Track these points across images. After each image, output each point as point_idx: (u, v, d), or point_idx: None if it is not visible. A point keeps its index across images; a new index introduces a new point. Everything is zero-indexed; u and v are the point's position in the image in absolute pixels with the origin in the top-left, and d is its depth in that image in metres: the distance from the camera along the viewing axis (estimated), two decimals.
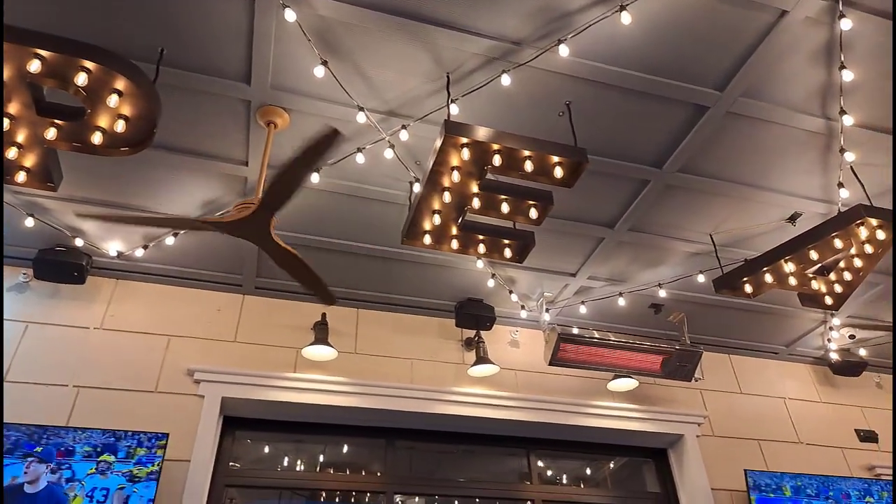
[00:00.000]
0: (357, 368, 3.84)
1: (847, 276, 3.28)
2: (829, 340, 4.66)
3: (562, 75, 2.70)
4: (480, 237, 3.01)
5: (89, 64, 2.13)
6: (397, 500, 3.91)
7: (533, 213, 2.81)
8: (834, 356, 4.73)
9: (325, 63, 2.48)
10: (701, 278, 3.83)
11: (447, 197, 2.70)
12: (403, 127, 2.76)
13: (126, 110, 2.31)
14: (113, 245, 3.54)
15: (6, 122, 2.26)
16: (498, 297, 4.12)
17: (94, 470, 2.93)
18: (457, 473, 4.34)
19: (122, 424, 3.14)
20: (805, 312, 4.41)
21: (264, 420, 3.75)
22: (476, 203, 2.74)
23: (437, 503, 4.13)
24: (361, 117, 2.66)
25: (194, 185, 3.17)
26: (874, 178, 3.25)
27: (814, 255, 3.12)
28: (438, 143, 2.44)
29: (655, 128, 2.97)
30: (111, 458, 2.96)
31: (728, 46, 2.60)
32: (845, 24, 2.44)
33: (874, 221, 2.91)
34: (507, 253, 3.07)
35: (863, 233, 2.96)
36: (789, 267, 3.23)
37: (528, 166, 2.58)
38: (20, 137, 2.36)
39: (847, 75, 2.62)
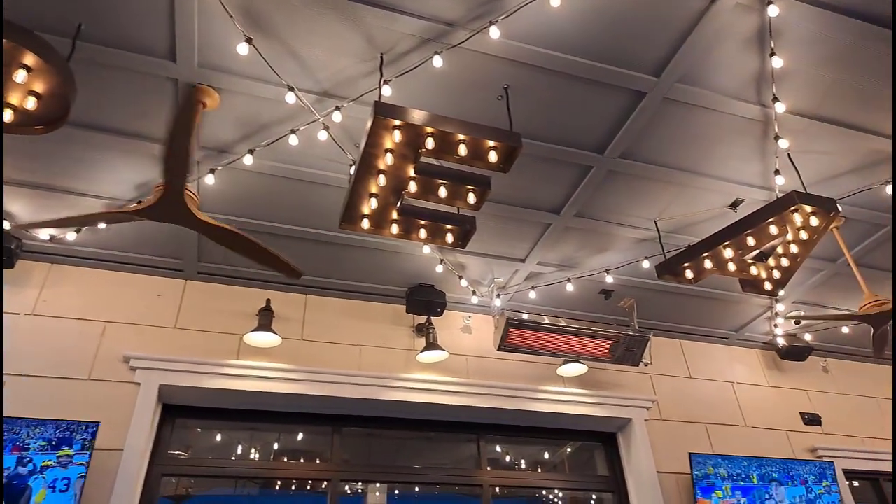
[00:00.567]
0: (303, 355, 3.80)
1: (785, 261, 3.33)
2: (775, 326, 4.75)
3: (499, 59, 2.67)
4: (422, 222, 2.97)
5: None
6: (358, 488, 3.92)
7: (471, 198, 2.77)
8: (781, 341, 4.83)
9: (249, 40, 2.40)
10: (646, 264, 3.85)
11: (382, 180, 2.65)
12: (337, 108, 2.70)
13: (37, 87, 2.21)
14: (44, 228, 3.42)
15: None
16: (450, 283, 4.10)
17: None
18: (413, 460, 4.34)
19: (52, 413, 3.05)
20: (752, 298, 4.48)
21: (208, 408, 3.69)
22: (413, 187, 2.70)
23: (379, 489, 4.14)
24: (291, 97, 2.59)
25: (126, 167, 3.07)
26: (812, 165, 3.29)
27: (751, 241, 3.16)
28: (369, 124, 2.39)
29: (595, 113, 2.96)
30: (38, 446, 2.88)
31: (662, 32, 2.59)
32: (773, 11, 2.44)
33: (808, 208, 2.95)
34: (450, 238, 3.03)
35: (798, 219, 3.00)
36: (728, 253, 3.26)
37: (463, 150, 2.54)
38: None
39: (777, 62, 2.63)
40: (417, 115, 2.42)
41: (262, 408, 3.78)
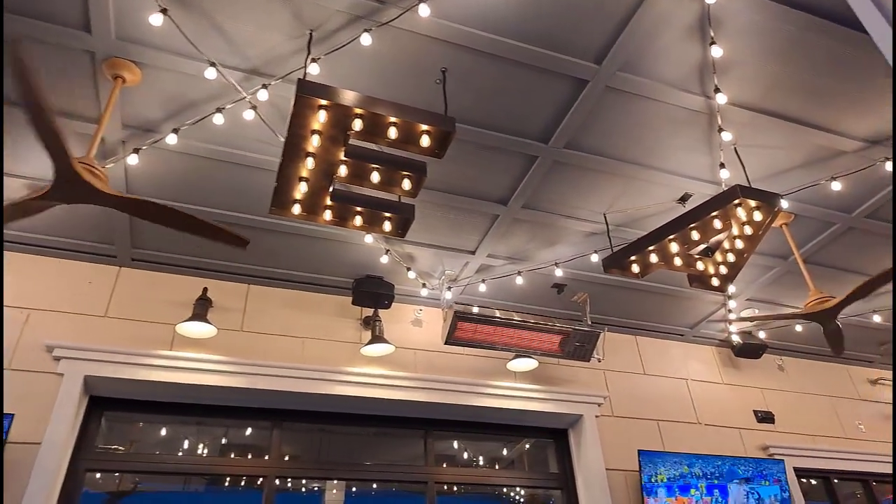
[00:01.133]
0: (242, 347, 3.67)
1: (731, 257, 3.28)
2: (729, 323, 4.73)
3: (437, 41, 2.57)
4: (357, 209, 2.87)
5: None
6: (314, 486, 3.81)
7: (406, 184, 2.68)
8: (735, 338, 4.81)
9: (164, 11, 2.27)
10: (595, 258, 3.79)
11: (311, 163, 2.54)
12: (264, 86, 2.58)
13: None
14: None
15: None
16: (399, 275, 4.00)
17: None
18: (368, 456, 4.22)
19: None
20: (706, 295, 4.46)
21: (141, 401, 3.55)
22: (343, 171, 2.60)
23: (336, 487, 4.02)
24: (212, 73, 2.47)
25: None
26: (758, 160, 3.25)
27: (696, 235, 3.11)
28: (292, 103, 2.28)
29: (538, 101, 2.87)
30: None
31: (602, 18, 2.51)
32: None
33: (752, 202, 2.91)
34: (387, 227, 2.93)
35: (742, 214, 2.96)
36: (674, 247, 3.21)
37: (393, 133, 2.45)
38: None
39: (716, 51, 2.57)
40: (344, 95, 2.32)
41: (199, 401, 3.65)
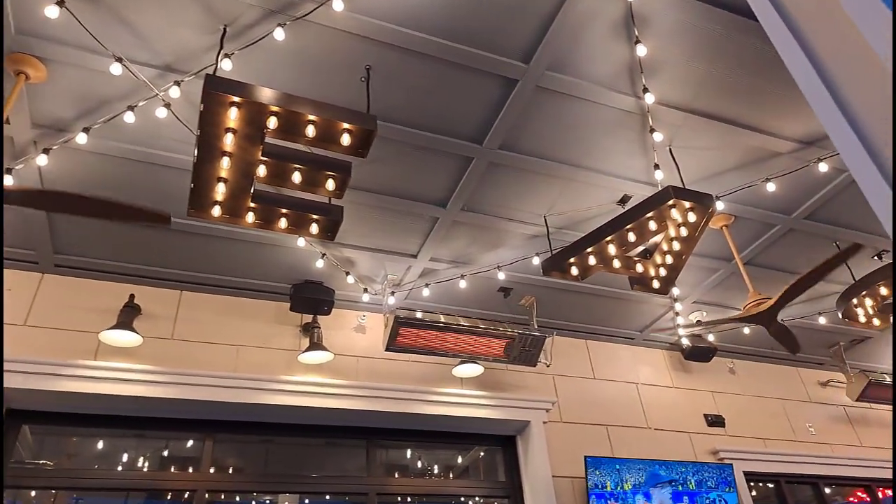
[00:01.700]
0: (172, 355, 3.53)
1: (669, 259, 3.26)
2: (677, 326, 4.73)
3: (358, 37, 2.50)
4: (283, 211, 2.78)
5: None
6: (266, 499, 3.68)
7: (331, 185, 2.59)
8: (685, 342, 4.81)
9: (60, 3, 2.16)
10: (536, 261, 3.75)
11: (226, 163, 2.45)
12: (176, 83, 2.48)
13: None
14: None
15: None
16: (341, 280, 3.90)
17: None
18: (313, 467, 4.09)
19: None
20: (654, 298, 4.44)
21: (64, 413, 3.38)
22: (263, 171, 2.51)
23: (289, 499, 3.89)
24: (118, 68, 2.36)
25: None
26: (693, 161, 3.25)
27: (632, 236, 3.08)
28: (200, 100, 2.18)
29: (469, 101, 2.82)
30: None
31: (527, 16, 2.47)
32: None
33: (686, 203, 2.89)
34: (315, 229, 2.84)
35: (676, 215, 2.94)
36: (612, 249, 3.18)
37: (312, 131, 2.36)
38: None
39: (641, 50, 2.55)
40: (256, 92, 2.23)
41: (127, 413, 3.50)
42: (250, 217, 2.73)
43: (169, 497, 3.59)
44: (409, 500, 4.14)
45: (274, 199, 2.71)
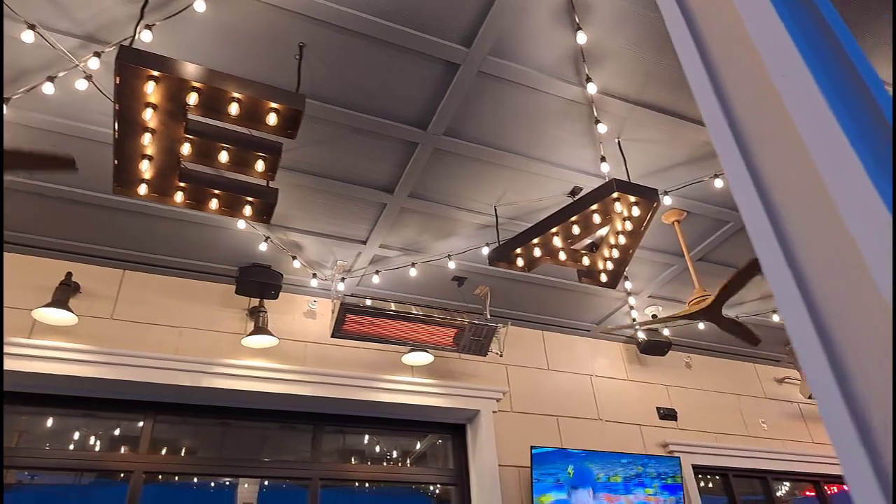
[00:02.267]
0: (111, 335, 3.46)
1: (616, 253, 3.23)
2: (633, 319, 4.72)
3: (292, 13, 2.42)
4: (215, 191, 2.71)
5: None
6: (225, 482, 3.65)
7: (260, 166, 2.52)
8: (641, 335, 4.81)
9: None
10: (486, 251, 3.71)
11: (147, 139, 2.37)
12: (96, 54, 2.38)
13: None
14: None
15: None
16: (290, 265, 3.84)
17: None
18: (268, 450, 4.04)
19: None
20: (610, 291, 4.43)
21: (9, 392, 3.30)
22: (187, 149, 2.43)
23: (248, 483, 3.85)
24: (30, 36, 2.26)
25: None
26: (642, 155, 3.21)
27: (577, 229, 3.04)
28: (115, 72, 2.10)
29: (411, 84, 2.75)
30: None
31: None
32: None
33: (631, 198, 2.86)
34: (248, 211, 2.77)
35: (620, 208, 2.90)
36: (557, 241, 3.15)
37: (235, 109, 2.29)
38: None
39: (581, 38, 2.49)
40: (173, 65, 2.14)
41: (65, 392, 3.43)
42: (179, 196, 2.65)
43: (105, 477, 3.53)
44: (356, 485, 4.13)
45: (205, 179, 2.64)
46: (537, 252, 3.21)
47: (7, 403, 3.41)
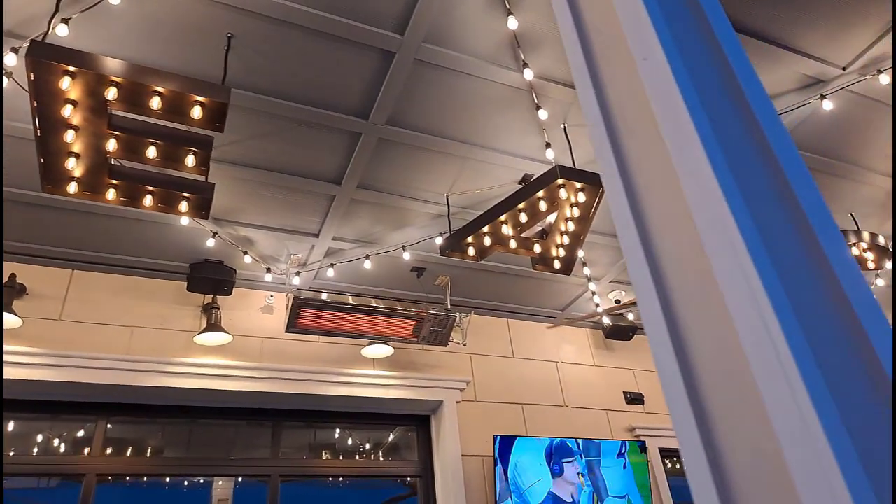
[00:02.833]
0: (60, 337, 3.39)
1: (566, 239, 3.22)
2: (596, 305, 4.72)
3: (220, 4, 2.35)
4: (149, 188, 2.65)
5: None
6: (199, 481, 3.61)
7: (191, 161, 2.47)
8: (606, 320, 4.81)
9: None
10: (439, 241, 3.67)
11: (71, 136, 2.30)
12: (13, 50, 2.30)
13: None
14: None
15: None
16: (243, 260, 3.78)
17: None
18: (233, 449, 4.01)
19: None
20: (574, 277, 4.42)
21: None
22: (112, 146, 2.37)
23: (222, 482, 3.82)
24: None
25: None
26: (589, 140, 3.17)
27: (524, 217, 3.02)
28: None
29: (348, 74, 2.70)
30: None
31: None
32: None
33: (576, 184, 2.83)
34: (184, 207, 2.72)
35: (566, 195, 2.88)
36: (506, 229, 3.13)
37: (157, 103, 2.23)
38: None
39: (512, 23, 2.45)
40: (87, 60, 2.08)
41: (13, 396, 3.36)
42: (111, 194, 2.60)
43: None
44: (329, 480, 4.12)
45: (137, 175, 2.59)
46: (488, 241, 3.19)
47: None
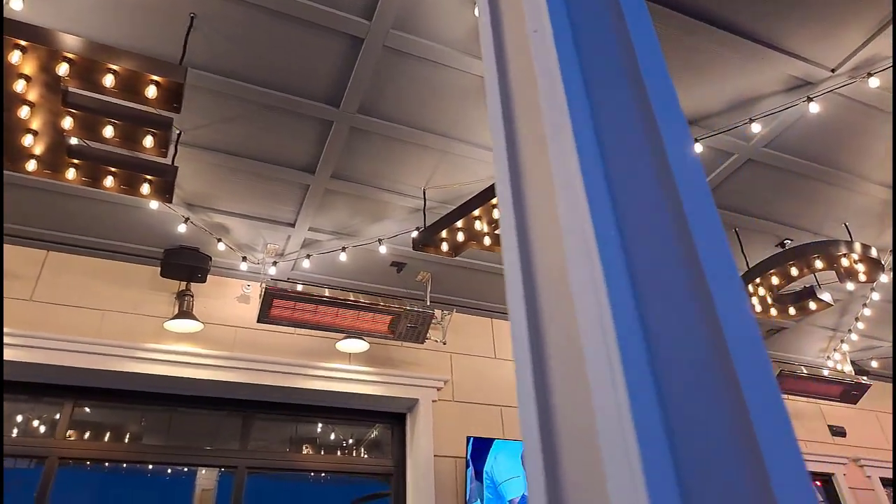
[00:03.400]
0: (29, 318, 3.37)
1: None
2: None
3: None
4: (111, 168, 2.62)
5: None
6: (182, 470, 3.61)
7: (149, 142, 2.43)
8: None
9: None
10: (415, 234, 3.60)
11: (25, 112, 2.27)
12: None
13: None
14: None
15: None
16: (218, 248, 3.74)
17: None
18: (187, 438, 3.98)
19: None
20: None
21: None
22: (68, 123, 2.33)
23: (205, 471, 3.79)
24: None
25: None
26: None
27: (497, 213, 2.95)
28: None
29: (317, 59, 2.64)
30: None
31: None
32: None
33: None
34: (146, 189, 2.68)
35: None
36: (479, 225, 3.06)
37: (111, 81, 2.19)
38: None
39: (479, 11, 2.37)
40: (40, 34, 2.04)
41: None
42: (72, 173, 2.56)
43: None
44: (311, 475, 4.08)
45: (97, 155, 2.55)
46: (461, 236, 3.13)
47: None
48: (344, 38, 2.55)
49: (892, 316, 4.40)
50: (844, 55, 2.73)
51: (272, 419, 4.04)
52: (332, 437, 4.41)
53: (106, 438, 3.67)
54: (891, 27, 2.56)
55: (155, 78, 2.21)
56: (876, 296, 4.35)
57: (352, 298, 3.68)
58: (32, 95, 2.24)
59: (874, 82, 2.73)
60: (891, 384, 6.12)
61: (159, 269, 3.76)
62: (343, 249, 3.73)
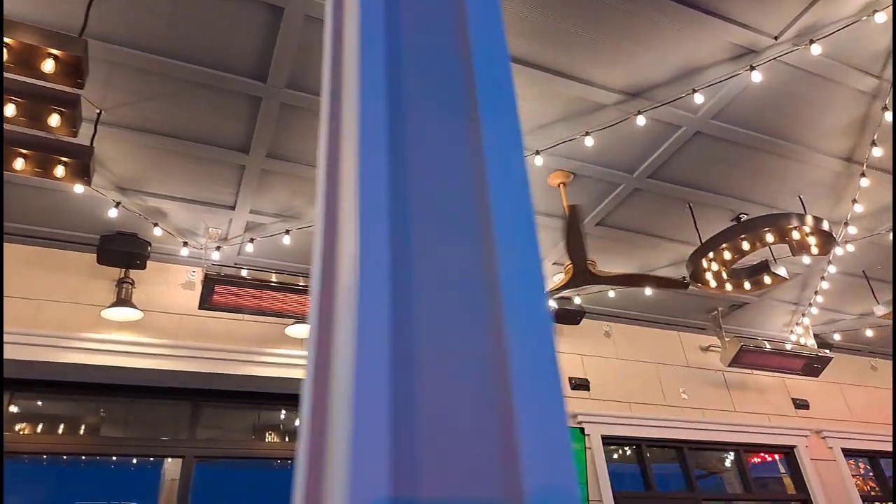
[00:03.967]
0: None
1: None
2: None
3: None
4: (21, 150, 2.49)
5: None
6: (149, 460, 3.52)
7: (55, 120, 2.30)
8: (551, 304, 4.66)
9: None
10: None
11: None
12: None
13: None
14: None
15: None
16: (161, 233, 3.61)
17: None
18: (133, 428, 3.90)
19: None
20: None
21: None
22: None
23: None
24: None
25: None
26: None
27: None
28: None
29: (236, 31, 2.51)
30: None
31: None
32: None
33: None
34: (60, 172, 2.56)
35: None
36: None
37: (2, 55, 2.06)
38: None
39: None
40: None
41: None
42: None
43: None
44: (277, 462, 4.01)
45: (8, 138, 2.41)
46: None
47: None
48: (264, 8, 2.42)
49: (892, 310, 4.28)
50: (787, 21, 2.66)
51: (225, 407, 3.95)
52: (286, 426, 4.34)
53: (48, 431, 3.56)
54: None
55: (52, 51, 2.08)
56: (832, 269, 4.34)
57: (301, 283, 3.58)
58: None
59: (816, 49, 2.66)
60: (853, 356, 6.17)
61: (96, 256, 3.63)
62: (287, 232, 3.62)
